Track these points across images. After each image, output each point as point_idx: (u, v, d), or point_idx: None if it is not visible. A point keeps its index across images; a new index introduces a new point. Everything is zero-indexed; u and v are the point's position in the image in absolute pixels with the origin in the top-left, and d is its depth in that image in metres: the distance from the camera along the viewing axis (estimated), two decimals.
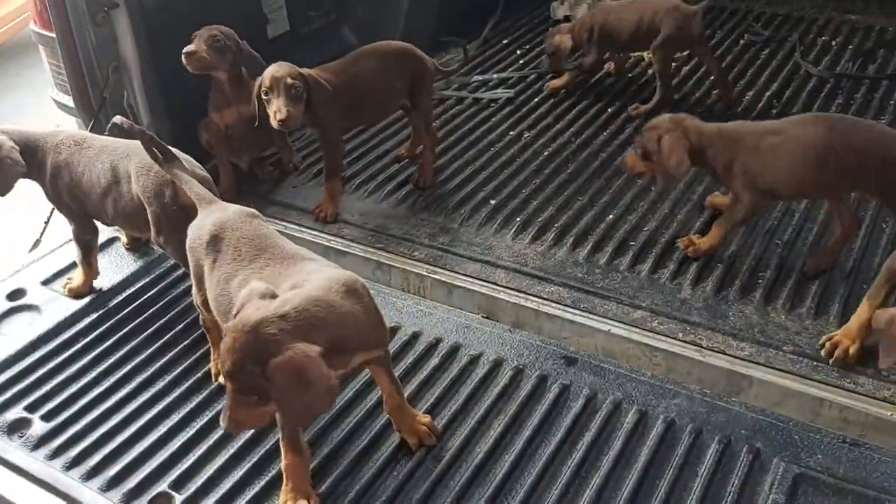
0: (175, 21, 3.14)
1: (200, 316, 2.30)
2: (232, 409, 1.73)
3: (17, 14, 7.66)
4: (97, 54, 3.04)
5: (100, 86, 3.07)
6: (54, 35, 2.99)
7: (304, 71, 2.83)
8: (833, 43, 4.19)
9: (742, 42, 4.26)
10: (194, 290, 2.16)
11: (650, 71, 3.99)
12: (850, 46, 4.13)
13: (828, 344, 2.28)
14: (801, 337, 2.37)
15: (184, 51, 2.89)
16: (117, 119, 2.32)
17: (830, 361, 2.24)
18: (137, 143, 2.35)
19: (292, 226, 2.97)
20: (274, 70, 2.76)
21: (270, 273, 1.94)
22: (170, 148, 2.27)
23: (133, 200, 2.39)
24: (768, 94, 3.72)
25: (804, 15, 4.50)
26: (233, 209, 2.14)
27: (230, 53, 2.96)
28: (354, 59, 3.06)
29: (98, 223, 2.66)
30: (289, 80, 2.72)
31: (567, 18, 4.59)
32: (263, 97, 2.76)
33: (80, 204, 2.54)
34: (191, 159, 2.40)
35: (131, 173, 2.37)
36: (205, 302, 2.10)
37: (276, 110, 2.71)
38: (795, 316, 2.45)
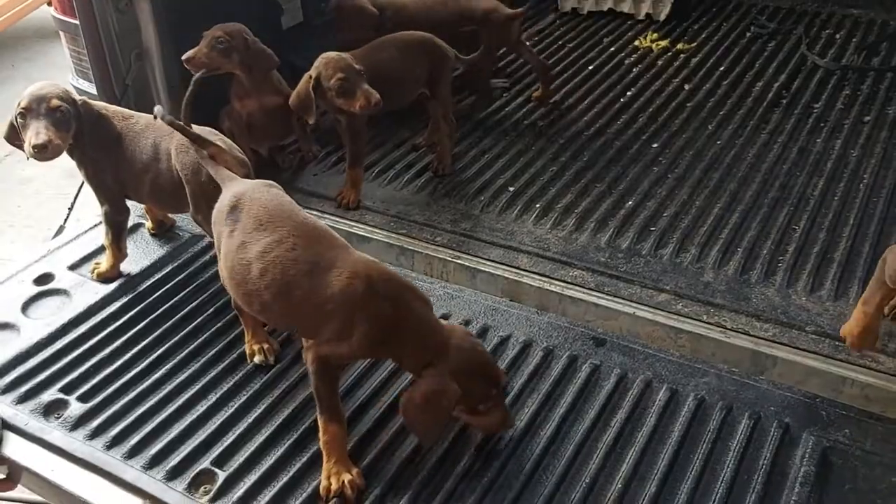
0: (196, 9, 3.16)
1: (231, 299, 2.33)
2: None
3: (10, 6, 7.61)
4: (120, 41, 3.05)
5: (122, 72, 3.08)
6: (77, 21, 3.01)
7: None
8: (837, 36, 4.26)
9: (748, 34, 4.32)
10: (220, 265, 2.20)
11: (659, 62, 4.06)
12: (853, 40, 4.21)
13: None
14: (823, 318, 2.43)
15: (183, 57, 2.91)
16: (157, 109, 2.35)
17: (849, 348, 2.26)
18: None
19: (314, 212, 2.99)
20: (336, 60, 2.80)
21: (299, 253, 2.01)
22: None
23: (172, 178, 2.42)
24: (777, 84, 3.79)
25: (807, 9, 4.57)
26: (250, 182, 2.21)
27: (236, 53, 2.96)
28: (377, 48, 3.10)
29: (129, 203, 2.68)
30: (357, 66, 2.80)
31: (574, 11, 4.65)
32: (337, 87, 2.77)
33: (120, 181, 2.57)
34: (230, 142, 2.43)
35: (172, 151, 2.40)
36: None
37: (369, 94, 2.75)
38: (816, 298, 2.51)
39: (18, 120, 2.43)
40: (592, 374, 2.30)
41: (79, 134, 2.50)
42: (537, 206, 3.00)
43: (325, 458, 2.02)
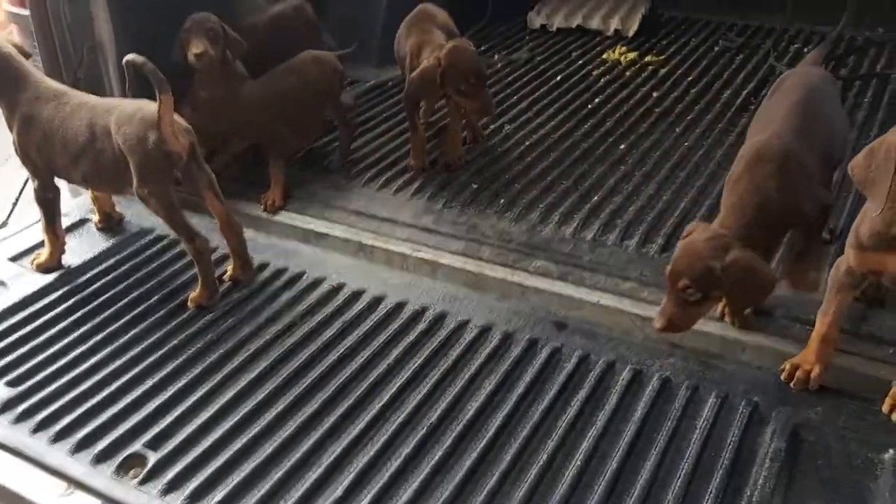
0: (150, 5, 3.10)
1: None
2: (671, 312, 2.01)
3: None
4: (72, 33, 2.98)
5: (73, 65, 3.00)
6: (27, 13, 2.93)
7: None
8: (805, 50, 4.25)
9: (717, 49, 4.31)
10: None
11: (628, 73, 4.04)
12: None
13: (788, 366, 2.10)
14: (793, 303, 2.34)
15: (195, 52, 2.81)
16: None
17: (791, 384, 2.07)
18: (117, 100, 2.30)
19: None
20: (472, 58, 2.94)
21: None
22: None
23: (114, 154, 2.30)
24: (745, 92, 3.75)
25: (775, 26, 4.58)
26: None
27: (221, 40, 2.91)
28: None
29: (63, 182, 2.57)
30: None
31: (543, 27, 4.64)
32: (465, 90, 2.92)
33: (47, 160, 2.45)
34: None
35: (111, 126, 2.29)
36: None
37: (489, 104, 3.06)
38: (786, 284, 2.42)
39: None
40: (553, 355, 2.19)
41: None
42: (501, 200, 2.91)
43: None
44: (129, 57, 2.20)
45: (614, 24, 4.51)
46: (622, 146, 3.31)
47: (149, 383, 2.14)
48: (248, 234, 2.68)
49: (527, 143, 3.35)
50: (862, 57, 4.14)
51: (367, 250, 2.75)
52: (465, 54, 2.92)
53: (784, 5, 4.74)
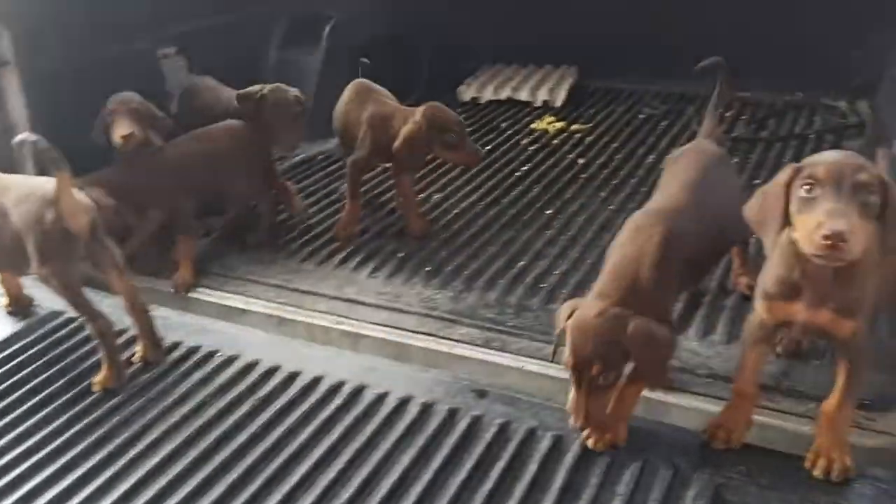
0: (70, 86, 3.07)
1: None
2: (585, 404, 1.89)
3: None
4: None
5: None
6: None
7: None
8: (727, 115, 4.36)
9: (641, 116, 4.40)
10: None
11: (555, 142, 4.09)
12: (743, 117, 4.32)
13: (709, 426, 2.04)
14: (715, 361, 2.33)
15: (122, 134, 2.77)
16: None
17: (713, 444, 2.01)
18: (14, 177, 2.24)
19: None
20: (448, 113, 2.99)
21: None
22: None
23: (11, 233, 2.22)
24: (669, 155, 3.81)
25: (699, 93, 4.69)
26: None
27: (147, 120, 2.89)
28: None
29: None
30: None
31: (474, 100, 4.71)
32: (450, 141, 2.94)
33: None
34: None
35: (8, 206, 2.22)
36: None
37: (474, 151, 3.04)
38: (708, 342, 2.42)
39: None
40: (473, 425, 2.12)
41: None
42: (427, 268, 2.89)
43: None
44: (21, 136, 2.16)
45: (542, 95, 4.60)
46: (549, 211, 3.32)
47: (47, 472, 2.02)
48: (162, 312, 2.61)
49: (454, 212, 3.35)
50: (782, 119, 4.26)
51: (287, 325, 2.68)
52: (442, 109, 2.97)
53: (704, 73, 4.87)
